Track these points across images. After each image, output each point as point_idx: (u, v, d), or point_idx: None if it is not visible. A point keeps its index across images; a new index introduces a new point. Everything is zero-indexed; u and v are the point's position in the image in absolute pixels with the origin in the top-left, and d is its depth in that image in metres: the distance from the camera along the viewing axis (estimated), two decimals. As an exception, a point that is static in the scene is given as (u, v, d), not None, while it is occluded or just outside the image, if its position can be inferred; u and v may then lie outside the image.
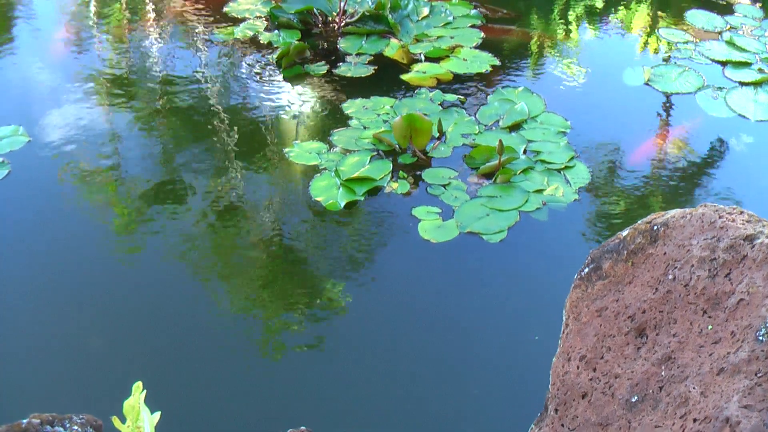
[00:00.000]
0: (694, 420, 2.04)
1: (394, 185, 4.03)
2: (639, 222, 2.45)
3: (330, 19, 5.38)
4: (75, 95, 4.63)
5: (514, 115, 4.47)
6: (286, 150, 4.26)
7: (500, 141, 4.03)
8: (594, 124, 4.49)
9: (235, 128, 4.45)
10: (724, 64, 5.02)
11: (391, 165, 4.14)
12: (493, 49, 5.08)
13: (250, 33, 5.34)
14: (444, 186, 4.03)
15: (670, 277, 2.23)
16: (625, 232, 2.46)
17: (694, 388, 2.04)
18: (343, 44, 5.20)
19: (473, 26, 5.44)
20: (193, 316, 3.30)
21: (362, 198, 3.95)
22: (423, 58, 5.04)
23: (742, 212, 2.26)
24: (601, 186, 4.03)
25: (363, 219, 3.88)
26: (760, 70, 4.92)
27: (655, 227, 2.35)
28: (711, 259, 2.19)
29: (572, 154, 4.20)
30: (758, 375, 1.98)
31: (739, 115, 4.58)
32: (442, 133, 4.33)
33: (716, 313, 2.14)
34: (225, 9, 5.60)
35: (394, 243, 3.75)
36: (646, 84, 4.82)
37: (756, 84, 4.81)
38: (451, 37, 5.26)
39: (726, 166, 4.17)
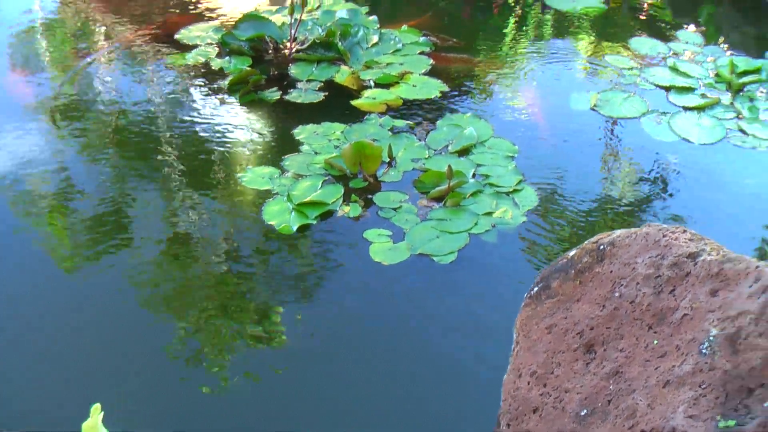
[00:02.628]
0: (642, 431, 2.11)
1: (346, 209, 4.08)
2: (586, 242, 2.52)
3: (281, 46, 5.42)
4: (23, 125, 4.60)
5: (463, 140, 4.55)
6: (239, 175, 4.29)
7: (449, 166, 4.11)
8: (541, 148, 4.59)
9: (188, 155, 4.47)
10: (668, 89, 5.16)
11: (343, 189, 4.20)
12: (442, 76, 5.17)
13: (202, 59, 5.37)
14: (395, 209, 4.09)
15: (617, 294, 2.31)
16: (572, 252, 2.53)
17: (641, 400, 2.11)
18: (293, 71, 5.25)
19: (422, 53, 5.51)
20: (141, 344, 3.30)
21: (314, 222, 3.99)
22: (373, 84, 5.11)
23: (685, 231, 2.35)
24: (549, 208, 4.11)
25: (315, 242, 3.92)
26: (703, 95, 5.07)
27: (602, 246, 2.43)
28: (656, 277, 2.27)
29: (520, 177, 4.29)
30: (702, 386, 2.06)
31: (683, 138, 4.70)
32: (392, 158, 4.40)
33: (662, 329, 2.22)
34: (177, 36, 5.61)
35: (346, 265, 3.80)
36: (593, 109, 4.94)
37: (699, 108, 4.96)
38: (401, 64, 5.34)
39: (670, 188, 4.29)
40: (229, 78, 5.11)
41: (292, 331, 3.46)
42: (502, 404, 2.46)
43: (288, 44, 5.42)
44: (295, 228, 3.97)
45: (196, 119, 4.78)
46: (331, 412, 3.08)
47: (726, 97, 5.12)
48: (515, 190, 4.25)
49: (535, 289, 2.53)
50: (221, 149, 4.53)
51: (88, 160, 4.43)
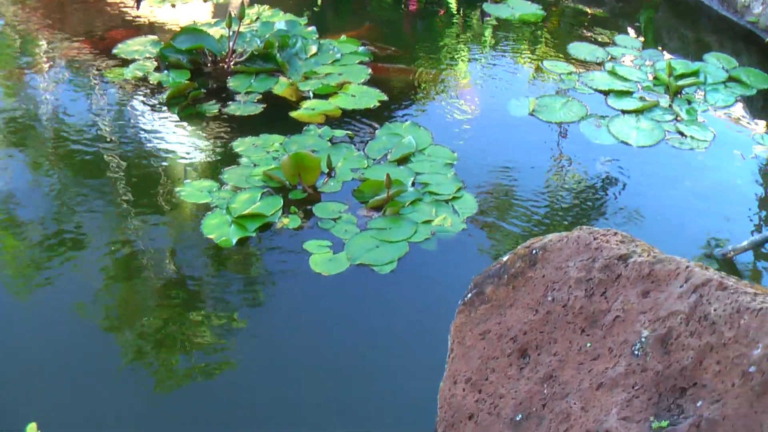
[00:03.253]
0: (568, 435, 2.08)
1: (286, 220, 4.04)
2: (519, 247, 2.51)
3: (219, 58, 5.37)
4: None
5: (402, 149, 4.54)
6: (177, 189, 4.23)
7: (387, 175, 4.10)
8: (480, 155, 4.60)
9: (126, 169, 4.42)
10: (606, 93, 5.20)
11: (282, 201, 4.16)
12: (380, 85, 5.17)
13: (140, 73, 5.31)
14: (334, 220, 4.07)
15: (550, 298, 2.30)
16: (505, 257, 2.52)
17: (575, 403, 2.10)
18: (232, 83, 5.21)
19: (361, 63, 5.49)
20: (84, 362, 3.23)
21: (254, 234, 3.96)
22: (311, 95, 5.09)
23: (616, 233, 2.35)
24: (489, 215, 4.12)
25: (255, 255, 3.89)
26: (642, 99, 5.12)
27: (534, 251, 2.42)
28: (587, 279, 2.27)
29: (459, 185, 4.29)
30: (635, 388, 2.05)
31: (622, 141, 4.74)
32: (331, 169, 4.37)
33: (594, 331, 2.21)
34: (114, 50, 5.53)
35: (286, 277, 3.77)
36: (531, 114, 4.95)
37: (637, 111, 5.01)
38: (340, 74, 5.32)
39: (609, 192, 4.31)
40: (168, 92, 5.01)
41: (230, 340, 3.40)
42: (439, 412, 2.44)
43: (227, 57, 5.35)
44: (234, 241, 3.92)
45: (133, 134, 4.72)
46: (261, 422, 3.03)
47: (664, 100, 5.18)
48: (455, 198, 4.26)
49: (469, 295, 2.51)
50: (159, 163, 4.48)
51: (25, 176, 4.33)
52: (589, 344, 2.23)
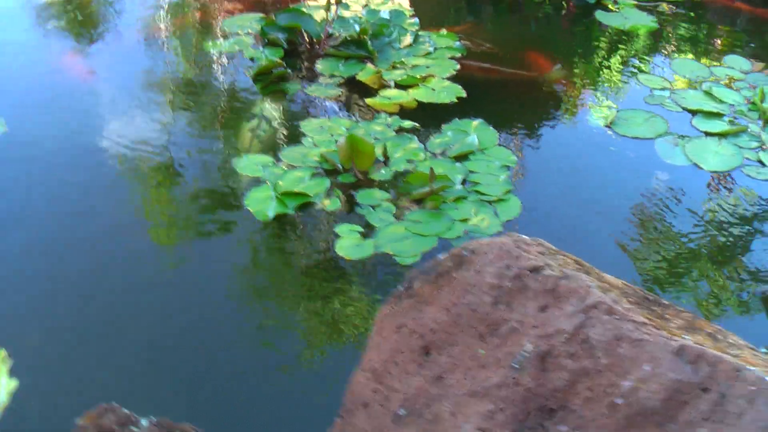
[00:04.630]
0: (434, 436, 2.09)
1: (326, 202, 4.14)
2: (457, 247, 2.52)
3: (316, 40, 5.52)
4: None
5: (464, 146, 4.55)
6: (235, 160, 4.40)
7: (431, 168, 4.13)
8: (542, 162, 4.54)
9: (194, 137, 4.61)
10: (694, 113, 4.98)
11: (329, 183, 4.25)
12: (465, 82, 5.16)
13: (237, 48, 5.52)
14: (374, 207, 4.12)
15: (464, 301, 2.31)
16: (443, 256, 2.53)
17: (448, 407, 2.11)
18: (321, 65, 5.35)
19: (452, 58, 5.50)
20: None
21: (292, 212, 4.06)
22: (393, 84, 5.13)
23: (540, 244, 2.33)
24: (530, 222, 4.06)
25: (287, 231, 4.01)
26: (731, 122, 4.88)
27: (464, 253, 2.42)
28: (498, 287, 2.26)
29: (509, 188, 4.24)
30: (504, 401, 2.05)
31: (694, 164, 4.55)
32: (387, 157, 4.43)
33: (491, 339, 2.21)
34: (220, 24, 5.80)
35: (309, 255, 3.86)
36: (608, 126, 4.82)
37: (721, 135, 4.78)
38: (427, 67, 5.36)
39: (659, 214, 4.16)
40: (256, 67, 5.21)
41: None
42: (345, 396, 2.48)
43: (322, 40, 5.50)
44: (271, 215, 4.04)
45: (212, 104, 4.96)
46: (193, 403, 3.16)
47: (755, 127, 4.90)
48: (500, 200, 4.21)
49: (401, 288, 2.54)
50: (228, 134, 4.68)
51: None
52: (482, 351, 2.22)
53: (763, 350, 3.01)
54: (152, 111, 4.85)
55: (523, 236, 2.36)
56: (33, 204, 4.09)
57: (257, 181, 4.27)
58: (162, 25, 5.95)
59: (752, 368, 1.83)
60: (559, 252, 2.32)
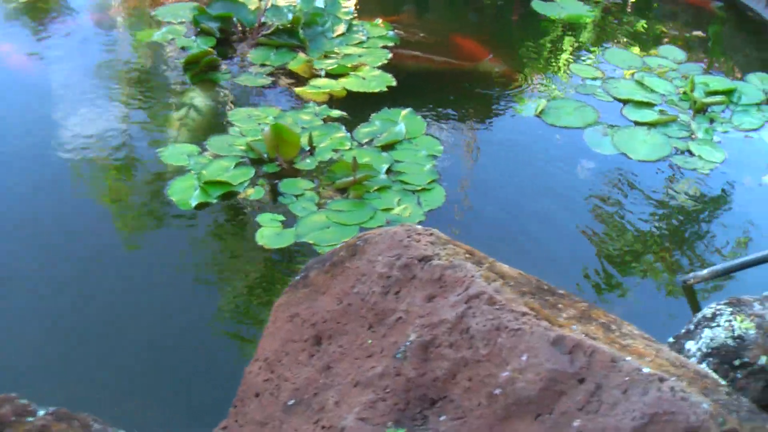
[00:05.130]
0: (322, 427, 2.10)
1: (249, 191, 4.12)
2: (352, 237, 2.51)
3: (248, 30, 5.48)
4: None
5: (390, 136, 4.54)
6: (160, 150, 4.35)
7: (354, 158, 4.12)
8: (467, 151, 4.53)
9: (120, 127, 4.56)
10: (625, 102, 5.01)
11: (254, 172, 4.22)
12: (396, 71, 5.15)
13: (170, 37, 5.46)
14: (297, 196, 4.10)
15: (355, 290, 2.30)
16: (339, 246, 2.52)
17: (332, 397, 2.10)
18: (252, 55, 5.32)
19: (385, 47, 5.48)
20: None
21: (215, 201, 4.03)
22: (323, 73, 5.11)
23: (431, 234, 2.32)
24: (453, 211, 4.06)
25: (208, 220, 3.98)
26: (661, 112, 4.92)
27: (359, 242, 2.42)
28: (387, 276, 2.25)
29: (434, 177, 4.23)
30: (385, 390, 2.04)
31: (622, 153, 4.57)
32: (312, 147, 4.41)
33: (379, 329, 2.20)
34: (153, 13, 5.73)
35: (227, 244, 3.83)
36: (538, 116, 4.84)
37: (651, 124, 4.81)
38: (359, 56, 5.34)
39: (578, 202, 4.17)
40: (187, 56, 5.16)
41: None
42: (240, 386, 2.46)
43: (255, 29, 5.46)
44: (193, 204, 4.00)
45: (141, 94, 4.89)
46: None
47: (686, 117, 4.94)
48: (425, 189, 4.20)
49: (298, 277, 2.52)
50: (155, 123, 4.64)
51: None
52: (370, 341, 2.22)
53: (671, 339, 3.04)
54: (79, 101, 4.78)
55: (417, 226, 2.36)
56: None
57: (182, 171, 4.20)
58: (96, 14, 5.84)
59: (628, 358, 1.84)
60: (450, 242, 2.32)
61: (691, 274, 3.81)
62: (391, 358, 2.10)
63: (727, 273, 3.70)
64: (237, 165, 4.29)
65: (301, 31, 5.33)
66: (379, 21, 5.80)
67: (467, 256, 2.29)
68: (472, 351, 1.97)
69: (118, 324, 3.35)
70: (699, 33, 6.23)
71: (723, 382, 2.27)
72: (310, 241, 3.82)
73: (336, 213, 4.01)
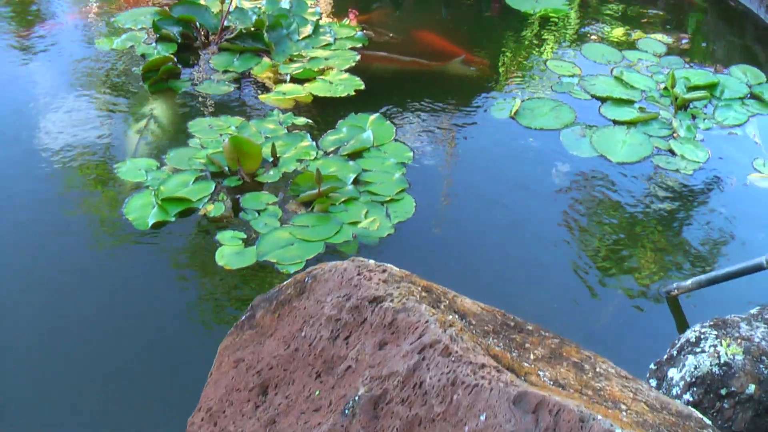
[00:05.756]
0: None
1: (209, 207, 3.92)
2: (303, 271, 2.30)
3: (211, 34, 5.25)
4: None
5: (357, 143, 4.33)
6: (116, 165, 4.14)
7: (318, 169, 3.91)
8: (440, 157, 4.34)
9: (75, 140, 4.34)
10: (603, 100, 4.80)
11: (214, 187, 4.02)
12: (364, 74, 4.94)
13: (130, 44, 5.24)
14: (259, 212, 3.91)
15: (303, 334, 2.09)
16: (288, 281, 2.31)
17: (275, 454, 1.88)
18: (214, 61, 5.10)
19: (353, 48, 5.26)
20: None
21: (173, 219, 3.82)
22: (289, 78, 4.89)
23: (384, 270, 2.12)
24: (422, 223, 3.86)
25: (165, 240, 3.78)
26: (641, 109, 4.72)
27: (307, 279, 2.21)
28: (336, 319, 2.05)
29: (404, 186, 4.03)
30: (332, 450, 1.82)
31: (601, 155, 4.37)
32: (276, 158, 4.20)
33: (327, 378, 2.00)
34: (113, 19, 5.49)
35: (184, 267, 3.62)
36: (512, 118, 4.63)
37: (630, 123, 4.61)
38: (326, 59, 5.13)
39: (556, 211, 3.97)
40: (143, 64, 4.93)
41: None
42: (182, 438, 2.25)
43: (218, 33, 5.23)
44: (150, 223, 3.79)
45: (96, 105, 4.67)
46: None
47: (667, 113, 4.74)
48: (393, 200, 4.01)
49: (244, 316, 2.31)
50: (112, 137, 4.43)
51: None
52: (318, 392, 2.01)
53: (652, 366, 2.83)
54: (32, 112, 4.53)
55: (369, 261, 2.14)
56: None
57: (140, 187, 3.98)
58: (54, 21, 5.61)
59: (599, 417, 1.63)
60: (406, 278, 2.10)
61: (675, 285, 3.63)
62: (338, 414, 1.89)
63: (711, 283, 3.52)
64: (196, 179, 4.07)
65: (265, 35, 5.12)
66: (347, 21, 5.55)
67: (423, 294, 2.08)
68: (427, 408, 1.77)
69: (43, 354, 3.13)
70: (679, 23, 5.99)
71: (708, 422, 2.08)
72: (273, 260, 3.62)
73: (300, 229, 3.80)
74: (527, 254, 3.76)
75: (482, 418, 1.70)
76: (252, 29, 5.19)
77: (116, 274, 3.58)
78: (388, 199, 4.03)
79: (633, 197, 4.11)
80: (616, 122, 4.68)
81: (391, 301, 2.05)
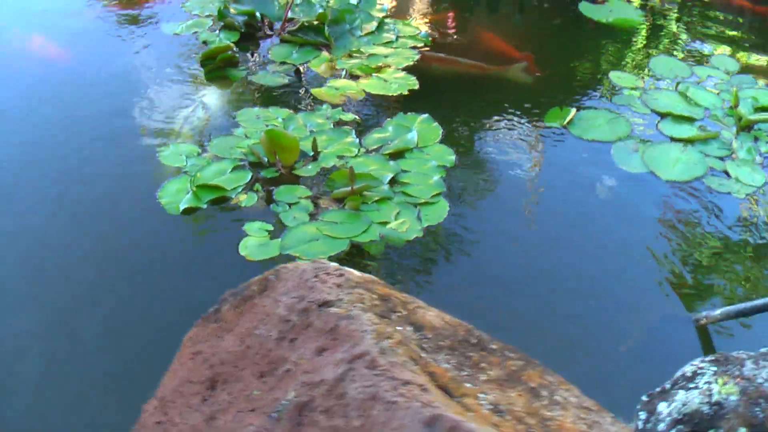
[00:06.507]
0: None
1: (242, 197, 3.93)
2: (272, 268, 2.29)
3: (277, 25, 5.28)
4: None
5: (401, 143, 4.27)
6: (160, 149, 4.20)
7: (351, 167, 3.89)
8: (483, 163, 4.25)
9: (124, 123, 4.42)
10: (664, 115, 4.62)
11: (251, 177, 4.02)
12: (420, 74, 4.88)
13: (194, 30, 5.31)
14: (290, 205, 3.90)
15: (257, 332, 2.08)
16: (255, 278, 2.30)
17: (206, 453, 1.87)
18: (273, 52, 5.12)
19: (414, 47, 5.21)
20: None
21: (204, 206, 3.85)
22: (344, 74, 4.87)
23: (341, 274, 2.08)
24: (452, 228, 3.79)
25: (193, 226, 3.80)
26: (702, 128, 4.52)
27: (271, 277, 2.19)
28: (286, 320, 2.03)
29: (440, 190, 3.97)
30: (254, 453, 1.79)
31: (650, 171, 4.21)
32: (316, 152, 4.18)
33: (269, 379, 1.98)
34: (180, 4, 5.58)
35: (208, 254, 3.64)
36: (564, 127, 4.50)
37: (688, 141, 4.42)
38: (385, 56, 5.08)
39: (593, 227, 3.85)
40: (205, 51, 5.00)
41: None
42: (137, 423, 2.26)
43: (281, 25, 5.26)
44: (181, 209, 3.84)
45: (151, 88, 4.77)
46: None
47: (729, 134, 4.53)
48: (427, 203, 3.93)
49: (212, 309, 2.31)
50: (160, 121, 4.49)
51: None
52: (257, 392, 1.99)
53: (644, 398, 2.68)
54: (85, 95, 4.65)
55: (329, 264, 2.10)
56: None
57: (179, 172, 4.03)
58: (121, 7, 5.74)
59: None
60: (363, 284, 2.05)
61: (704, 314, 3.47)
62: (264, 418, 1.85)
63: (740, 316, 3.35)
64: (234, 169, 4.09)
65: (326, 29, 5.08)
66: (412, 19, 5.49)
67: (376, 303, 2.02)
68: (347, 421, 1.72)
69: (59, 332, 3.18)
70: (761, 42, 5.71)
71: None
72: (296, 254, 3.58)
73: (328, 225, 3.77)
74: (552, 269, 3.64)
75: (394, 436, 1.64)
76: (314, 22, 5.16)
77: (135, 254, 3.63)
78: (422, 201, 3.95)
79: (677, 217, 3.93)
80: (673, 139, 4.49)
81: (339, 306, 2.00)
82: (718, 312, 3.45)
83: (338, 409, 1.79)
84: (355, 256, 3.66)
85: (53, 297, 3.41)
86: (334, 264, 2.20)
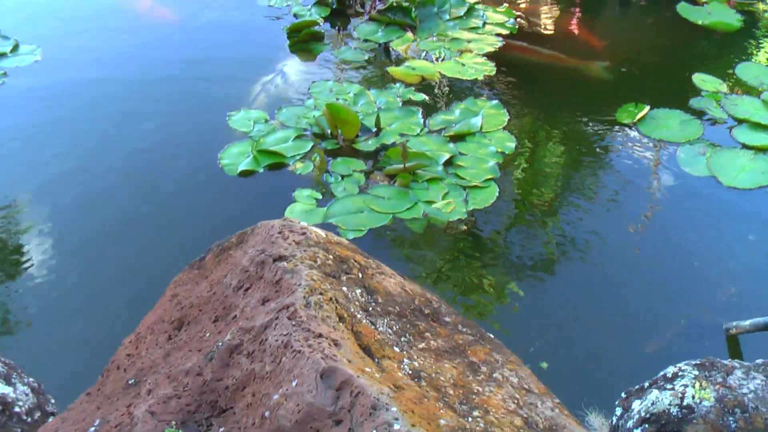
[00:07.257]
0: (129, 413, 2.03)
1: (299, 165, 4.08)
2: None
3: (366, 4, 5.41)
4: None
5: (464, 127, 4.32)
6: (230, 113, 4.40)
7: (403, 144, 3.97)
8: (542, 151, 4.26)
9: (204, 87, 4.65)
10: (740, 122, 4.49)
11: (311, 147, 4.16)
12: (500, 61, 4.90)
13: (287, 3, 5.49)
14: (343, 177, 4.01)
15: (225, 280, 2.22)
16: (240, 231, 2.44)
17: (149, 384, 2.04)
18: (360, 29, 5.23)
19: (499, 35, 5.23)
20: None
21: (261, 170, 4.02)
22: (423, 55, 4.95)
23: (304, 233, 2.19)
24: (497, 214, 3.82)
25: (246, 189, 3.97)
26: (778, 138, 4.37)
27: (249, 230, 2.33)
28: (246, 271, 2.17)
29: (493, 175, 4.01)
30: (184, 388, 1.95)
31: (713, 176, 4.11)
32: (379, 128, 4.29)
33: (220, 324, 2.13)
34: (280, -23, 5.79)
35: (254, 216, 3.79)
36: (634, 124, 4.44)
37: (760, 149, 4.28)
38: (468, 41, 5.12)
39: (629, 217, 3.81)
40: (293, 23, 5.18)
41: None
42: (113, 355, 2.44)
43: (372, 3, 5.38)
44: (239, 170, 4.02)
45: (236, 56, 4.98)
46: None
47: (808, 145, 4.37)
48: (477, 187, 3.98)
49: (198, 257, 2.46)
50: (237, 86, 4.68)
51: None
52: (208, 334, 2.13)
53: (623, 395, 2.66)
54: (174, 58, 4.89)
55: (296, 222, 2.20)
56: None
57: (244, 136, 4.21)
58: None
59: (393, 408, 1.62)
60: (322, 243, 2.15)
61: (734, 323, 3.39)
62: (200, 357, 1.97)
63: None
64: (297, 137, 4.21)
65: (413, 10, 5.15)
66: (503, 7, 5.49)
67: (329, 263, 2.12)
68: (262, 365, 1.82)
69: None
70: None
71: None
72: (337, 224, 3.69)
73: (374, 199, 3.87)
74: (588, 266, 3.62)
75: (293, 384, 1.73)
76: (404, 3, 5.24)
77: (186, 210, 3.81)
78: (473, 185, 3.98)
79: (730, 223, 3.83)
80: (745, 146, 4.34)
81: (289, 261, 2.10)
82: (747, 323, 3.37)
83: (257, 354, 1.89)
84: (395, 230, 3.72)
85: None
86: (303, 223, 2.29)
